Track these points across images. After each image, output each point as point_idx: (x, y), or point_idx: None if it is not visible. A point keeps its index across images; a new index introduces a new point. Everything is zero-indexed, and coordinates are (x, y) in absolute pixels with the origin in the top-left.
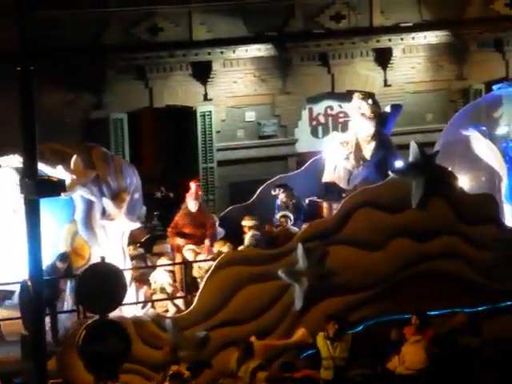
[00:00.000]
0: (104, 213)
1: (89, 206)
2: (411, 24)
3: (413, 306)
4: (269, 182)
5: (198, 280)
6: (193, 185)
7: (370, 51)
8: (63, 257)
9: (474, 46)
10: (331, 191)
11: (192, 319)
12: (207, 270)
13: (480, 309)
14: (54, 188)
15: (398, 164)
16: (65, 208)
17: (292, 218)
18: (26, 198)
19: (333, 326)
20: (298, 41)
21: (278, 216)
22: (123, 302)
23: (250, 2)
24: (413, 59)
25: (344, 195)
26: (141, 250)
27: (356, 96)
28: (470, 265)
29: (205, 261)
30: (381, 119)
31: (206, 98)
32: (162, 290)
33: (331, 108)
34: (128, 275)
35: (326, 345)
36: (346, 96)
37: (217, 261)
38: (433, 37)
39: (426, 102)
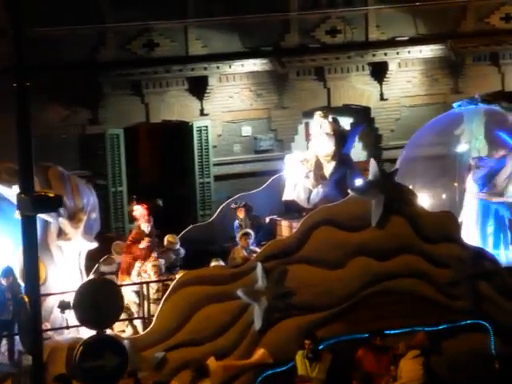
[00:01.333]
0: (60, 233)
1: (45, 226)
2: (407, 38)
3: (373, 324)
4: (228, 200)
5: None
6: (140, 208)
7: (365, 65)
8: (6, 273)
9: (469, 59)
10: (291, 210)
11: (150, 340)
12: (157, 291)
13: (441, 327)
14: (51, 204)
15: (358, 182)
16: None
17: (253, 235)
18: (22, 214)
19: (308, 345)
20: (294, 55)
21: (238, 235)
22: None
23: (245, 16)
24: (408, 73)
25: (304, 214)
26: None
27: (317, 114)
28: (430, 283)
29: (164, 281)
30: (341, 137)
31: (202, 113)
32: (126, 309)
33: None
34: None
35: (305, 364)
36: (343, 110)
37: (175, 281)
38: (428, 51)
39: (422, 116)
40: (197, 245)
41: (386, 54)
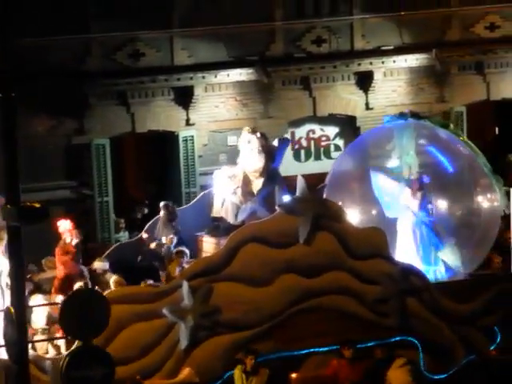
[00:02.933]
0: None
1: None
2: (392, 47)
3: (302, 342)
4: (156, 217)
5: None
6: (67, 223)
7: (351, 75)
8: None
9: (454, 68)
10: (219, 226)
11: None
12: None
13: (369, 344)
14: (37, 215)
15: (286, 198)
16: None
17: (188, 253)
18: (8, 225)
19: (250, 360)
20: (280, 65)
21: (174, 252)
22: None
23: (231, 26)
24: (394, 82)
25: (231, 231)
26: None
27: (245, 130)
28: (358, 300)
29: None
30: (269, 153)
31: (188, 123)
32: (44, 330)
33: (313, 132)
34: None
35: (242, 378)
36: (328, 119)
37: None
38: (414, 60)
39: None
40: (125, 262)
41: (371, 64)
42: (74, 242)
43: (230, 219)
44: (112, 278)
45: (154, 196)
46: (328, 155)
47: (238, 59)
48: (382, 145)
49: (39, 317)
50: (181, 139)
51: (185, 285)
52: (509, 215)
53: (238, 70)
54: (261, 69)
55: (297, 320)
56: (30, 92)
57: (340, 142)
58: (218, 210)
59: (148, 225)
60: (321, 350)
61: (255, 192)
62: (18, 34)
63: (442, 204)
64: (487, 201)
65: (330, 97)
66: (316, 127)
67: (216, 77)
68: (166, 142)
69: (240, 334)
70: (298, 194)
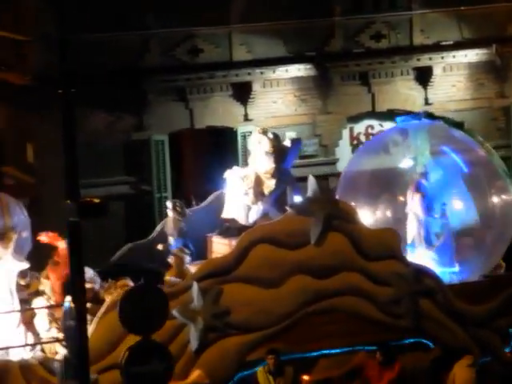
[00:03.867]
0: None
1: None
2: (452, 42)
3: (313, 344)
4: (167, 218)
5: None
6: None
7: (410, 70)
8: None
9: None
10: (230, 227)
11: None
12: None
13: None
14: (96, 210)
15: (298, 199)
16: None
17: (188, 251)
18: (68, 220)
19: (271, 359)
20: (338, 60)
21: (174, 250)
22: (11, 345)
23: (290, 22)
24: (453, 77)
25: (243, 232)
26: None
27: (256, 130)
28: (370, 301)
29: (93, 302)
30: (281, 154)
31: (246, 119)
32: (48, 332)
33: (372, 127)
34: (16, 317)
35: (268, 380)
36: (387, 115)
37: (106, 302)
38: (473, 55)
39: (467, 121)
40: (135, 265)
41: (430, 59)
42: (62, 245)
43: (242, 220)
44: (120, 282)
45: (213, 192)
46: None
47: (296, 55)
48: (395, 145)
49: (41, 320)
50: (239, 135)
51: (195, 286)
52: None
53: (297, 66)
54: (319, 64)
55: (308, 322)
56: (89, 88)
57: (440, 135)
58: (229, 211)
59: (159, 225)
60: (332, 351)
61: (267, 193)
62: (78, 30)
63: (456, 205)
64: (502, 202)
65: (388, 92)
66: (375, 123)
67: (274, 72)
68: (225, 137)
69: (250, 336)
70: (309, 194)
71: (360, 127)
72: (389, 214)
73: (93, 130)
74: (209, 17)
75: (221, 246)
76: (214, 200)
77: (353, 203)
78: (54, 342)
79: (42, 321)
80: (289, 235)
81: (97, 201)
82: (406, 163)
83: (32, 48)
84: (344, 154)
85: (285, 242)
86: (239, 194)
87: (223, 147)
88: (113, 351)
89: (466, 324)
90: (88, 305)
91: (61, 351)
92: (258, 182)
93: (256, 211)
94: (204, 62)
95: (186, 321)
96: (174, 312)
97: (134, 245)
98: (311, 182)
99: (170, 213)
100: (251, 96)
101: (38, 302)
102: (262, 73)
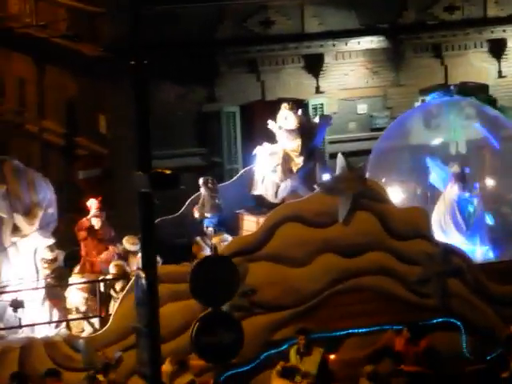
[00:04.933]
0: (15, 229)
1: None
2: None
3: (340, 323)
4: (197, 193)
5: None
6: (94, 202)
7: (484, 42)
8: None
9: None
10: (259, 204)
11: (106, 339)
12: (122, 288)
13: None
14: (168, 181)
15: (326, 177)
16: None
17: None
18: (139, 191)
19: (301, 340)
20: (411, 32)
21: (196, 239)
22: (36, 322)
23: None
24: None
25: (271, 209)
26: None
27: (283, 106)
28: (398, 281)
29: (117, 279)
30: (309, 131)
31: (317, 91)
32: (77, 309)
33: None
34: (41, 294)
35: (297, 359)
36: (460, 87)
37: (132, 278)
38: None
39: None
40: (162, 239)
41: (504, 31)
42: (95, 221)
43: (270, 197)
44: (112, 263)
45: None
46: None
47: (369, 27)
48: (427, 121)
49: (71, 296)
50: (310, 107)
51: None
52: None
53: (369, 38)
54: (392, 36)
55: (336, 301)
56: (161, 60)
57: (472, 111)
58: (258, 188)
59: (190, 200)
60: (360, 331)
61: (295, 170)
62: (150, 1)
63: (488, 182)
64: None
65: (461, 65)
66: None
67: (346, 44)
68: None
69: (277, 315)
70: (337, 172)
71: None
72: (419, 192)
73: (165, 101)
74: None
75: (250, 223)
76: (242, 176)
77: (383, 180)
78: (81, 319)
79: (74, 297)
80: (316, 214)
81: (168, 172)
82: (436, 140)
83: (105, 19)
84: (417, 126)
85: (312, 220)
86: (267, 171)
87: None
88: None
89: (496, 303)
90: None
91: (87, 329)
92: (286, 159)
93: (284, 188)
94: (276, 33)
95: None
96: None
97: (162, 220)
98: (340, 161)
99: (202, 189)
100: (323, 68)
101: (72, 279)
102: (334, 45)
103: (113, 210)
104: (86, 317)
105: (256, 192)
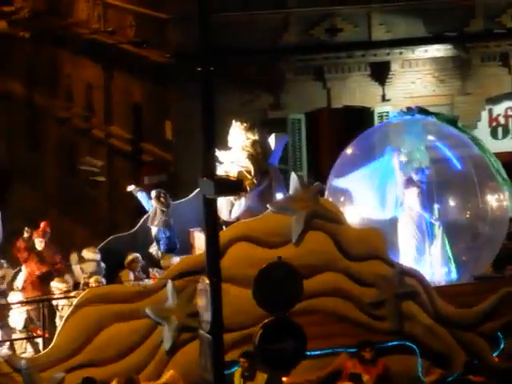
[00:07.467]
0: None
1: None
2: None
3: None
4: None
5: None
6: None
7: None
8: None
9: None
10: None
11: (49, 360)
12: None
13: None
14: (232, 187)
15: (279, 196)
16: None
17: (140, 259)
18: (205, 197)
19: (244, 363)
20: (479, 41)
21: (126, 260)
22: None
23: (429, 1)
24: None
25: (224, 227)
26: None
27: (236, 126)
28: (353, 303)
29: (65, 298)
30: (264, 153)
31: (383, 99)
32: (22, 330)
33: None
34: None
35: (240, 382)
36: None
37: (78, 298)
38: None
39: None
40: (117, 257)
41: None
42: (38, 242)
43: (224, 215)
44: (92, 278)
45: None
46: None
47: (435, 35)
48: (387, 140)
49: (16, 316)
50: (376, 115)
51: (169, 284)
52: None
53: (436, 46)
54: (459, 45)
55: None
56: (228, 66)
57: (433, 130)
58: None
59: (144, 218)
60: (313, 353)
61: (249, 189)
62: (217, 9)
63: (448, 203)
64: (495, 201)
65: None
66: None
67: (413, 52)
68: (361, 117)
69: (227, 336)
70: (291, 192)
71: (499, 109)
72: (379, 210)
73: (229, 107)
74: None
75: (202, 241)
76: (198, 194)
77: (342, 199)
78: (23, 339)
79: (17, 316)
80: (268, 233)
81: (233, 178)
82: (400, 158)
83: (173, 26)
84: (482, 135)
85: (264, 240)
86: None
87: (360, 127)
88: (84, 349)
89: (453, 327)
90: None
91: (30, 349)
92: (241, 177)
93: (238, 207)
94: (342, 41)
95: (160, 320)
96: (147, 311)
97: (117, 236)
98: (293, 180)
99: (154, 202)
100: (389, 76)
101: (13, 297)
102: (400, 53)
103: None
104: (28, 337)
105: None
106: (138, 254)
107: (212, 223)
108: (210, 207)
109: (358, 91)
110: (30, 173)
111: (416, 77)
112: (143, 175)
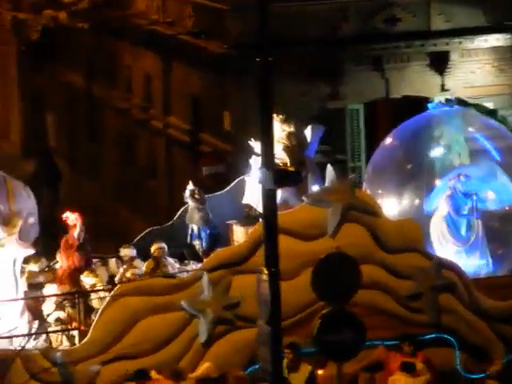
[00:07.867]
0: None
1: None
2: None
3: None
4: (187, 204)
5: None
6: (75, 216)
7: None
8: None
9: None
10: (249, 215)
11: (85, 352)
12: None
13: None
14: (291, 178)
15: (315, 188)
16: None
17: (166, 248)
18: (264, 188)
19: (288, 355)
20: None
21: (152, 248)
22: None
23: None
24: None
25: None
26: None
27: (275, 118)
28: (390, 295)
29: (99, 290)
30: (300, 145)
31: (443, 89)
32: (57, 321)
33: None
34: (20, 305)
35: (285, 374)
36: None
37: (114, 290)
38: None
39: None
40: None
41: None
42: (76, 233)
43: (260, 208)
44: (128, 272)
45: None
46: None
47: (496, 24)
48: (427, 132)
49: (50, 306)
50: None
51: (205, 276)
52: None
53: (496, 36)
54: None
55: None
56: (286, 57)
57: (473, 122)
58: (249, 198)
59: (180, 211)
60: None
61: None
62: (277, 0)
63: (487, 194)
64: None
65: None
66: None
67: (473, 42)
68: (421, 107)
69: None
70: (326, 184)
71: None
72: (417, 203)
73: (288, 97)
74: None
75: (239, 234)
76: (236, 185)
77: (379, 191)
78: (59, 331)
79: (50, 308)
80: (305, 226)
81: (292, 169)
82: (436, 151)
83: (231, 17)
84: None
85: (300, 233)
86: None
87: None
88: (119, 341)
89: (492, 320)
90: None
91: (66, 342)
92: None
93: None
94: (401, 31)
95: (196, 312)
96: (183, 303)
97: (153, 230)
98: (329, 172)
99: (189, 201)
100: (448, 66)
101: (48, 290)
102: (460, 42)
103: None
104: (65, 329)
105: (247, 202)
106: (163, 244)
107: (271, 215)
108: (271, 198)
109: (417, 81)
110: (89, 163)
111: (476, 66)
112: (201, 166)
